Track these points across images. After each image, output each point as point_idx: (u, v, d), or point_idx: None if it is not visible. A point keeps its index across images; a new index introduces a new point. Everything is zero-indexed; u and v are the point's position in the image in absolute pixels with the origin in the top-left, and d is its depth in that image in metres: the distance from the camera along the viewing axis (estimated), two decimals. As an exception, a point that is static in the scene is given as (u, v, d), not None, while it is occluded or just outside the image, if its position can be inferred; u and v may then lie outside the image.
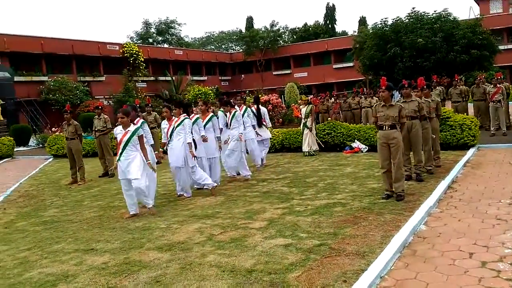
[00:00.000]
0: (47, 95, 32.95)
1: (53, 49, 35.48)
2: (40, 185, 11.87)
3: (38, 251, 5.95)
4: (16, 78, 31.01)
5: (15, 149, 20.39)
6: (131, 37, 57.47)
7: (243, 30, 59.22)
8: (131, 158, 7.22)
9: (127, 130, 7.28)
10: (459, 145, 11.11)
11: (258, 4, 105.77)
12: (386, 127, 6.99)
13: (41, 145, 22.63)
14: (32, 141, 24.68)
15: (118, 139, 7.32)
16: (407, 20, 30.64)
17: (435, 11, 30.68)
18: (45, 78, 34.48)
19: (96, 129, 12.54)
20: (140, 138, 7.34)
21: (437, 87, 16.77)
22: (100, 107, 15.07)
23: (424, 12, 30.87)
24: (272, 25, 52.72)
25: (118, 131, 7.40)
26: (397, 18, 30.99)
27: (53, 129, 24.31)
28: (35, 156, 19.15)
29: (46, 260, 5.52)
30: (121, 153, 7.24)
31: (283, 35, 56.71)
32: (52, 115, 31.45)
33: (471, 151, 10.63)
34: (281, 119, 21.88)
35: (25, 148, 23.05)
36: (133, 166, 7.18)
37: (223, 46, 69.80)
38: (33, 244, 6.33)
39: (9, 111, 28.00)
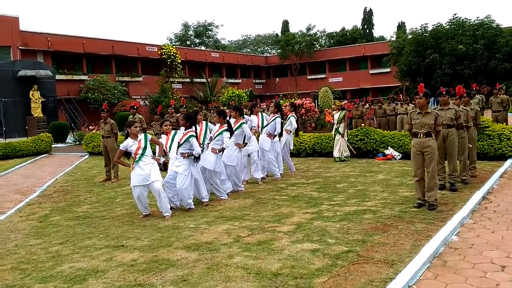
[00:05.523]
0: (86, 93, 33.79)
1: (94, 49, 36.38)
2: (75, 181, 12.16)
3: (70, 245, 6.11)
4: (58, 77, 31.84)
5: (53, 146, 20.94)
6: (170, 38, 58.42)
7: (280, 34, 59.24)
8: (152, 163, 7.40)
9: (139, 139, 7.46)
10: (496, 156, 10.79)
11: (296, 8, 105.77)
12: (421, 135, 6.86)
13: (78, 142, 23.21)
14: (70, 138, 25.28)
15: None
16: (448, 26, 30.05)
17: (477, 17, 30.05)
18: (85, 77, 35.38)
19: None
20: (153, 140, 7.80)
21: (477, 96, 16.39)
22: (135, 107, 15.36)
23: (466, 19, 30.25)
24: (308, 29, 52.60)
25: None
26: (438, 24, 30.43)
27: (90, 127, 24.88)
28: (71, 152, 19.64)
29: (78, 254, 5.65)
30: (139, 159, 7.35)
31: (320, 39, 56.41)
32: (90, 113, 32.17)
33: (508, 162, 10.30)
34: (313, 124, 21.77)
35: (62, 145, 23.63)
36: (154, 170, 7.34)
37: (258, 49, 70.09)
38: (66, 238, 6.50)
39: (49, 108, 28.78)
